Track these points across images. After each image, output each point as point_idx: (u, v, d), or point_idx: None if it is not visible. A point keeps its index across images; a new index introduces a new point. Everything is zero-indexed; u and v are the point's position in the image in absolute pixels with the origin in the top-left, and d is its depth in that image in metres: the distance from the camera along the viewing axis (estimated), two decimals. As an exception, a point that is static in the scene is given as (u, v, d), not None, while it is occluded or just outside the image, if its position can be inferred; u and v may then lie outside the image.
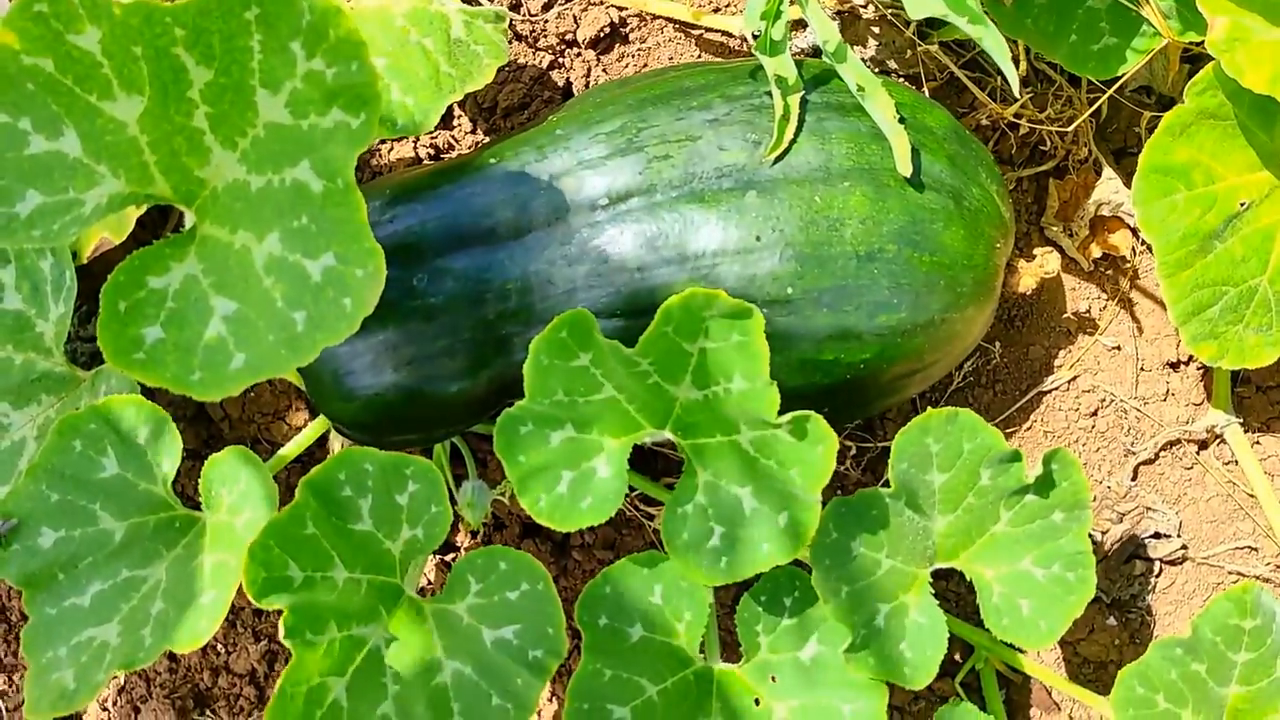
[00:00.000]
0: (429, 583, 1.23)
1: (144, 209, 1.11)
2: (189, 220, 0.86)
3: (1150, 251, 1.24)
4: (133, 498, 1.00)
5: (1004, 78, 1.24)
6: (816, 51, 1.24)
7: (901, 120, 1.00)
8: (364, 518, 0.94)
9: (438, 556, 1.23)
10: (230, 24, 0.79)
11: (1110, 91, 1.15)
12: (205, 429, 1.24)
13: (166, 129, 0.83)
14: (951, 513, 0.98)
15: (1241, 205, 1.04)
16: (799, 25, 1.24)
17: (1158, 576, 1.20)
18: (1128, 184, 1.21)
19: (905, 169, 0.98)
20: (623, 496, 0.92)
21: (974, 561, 0.99)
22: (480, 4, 1.25)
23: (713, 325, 0.87)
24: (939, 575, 1.08)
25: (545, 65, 1.27)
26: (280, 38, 0.79)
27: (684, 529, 0.92)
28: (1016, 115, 1.20)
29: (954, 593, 1.20)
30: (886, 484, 0.97)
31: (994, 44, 0.93)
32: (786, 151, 0.98)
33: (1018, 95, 0.97)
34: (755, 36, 1.05)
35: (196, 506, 1.02)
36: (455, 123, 1.26)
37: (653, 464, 1.21)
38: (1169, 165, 1.02)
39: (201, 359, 0.82)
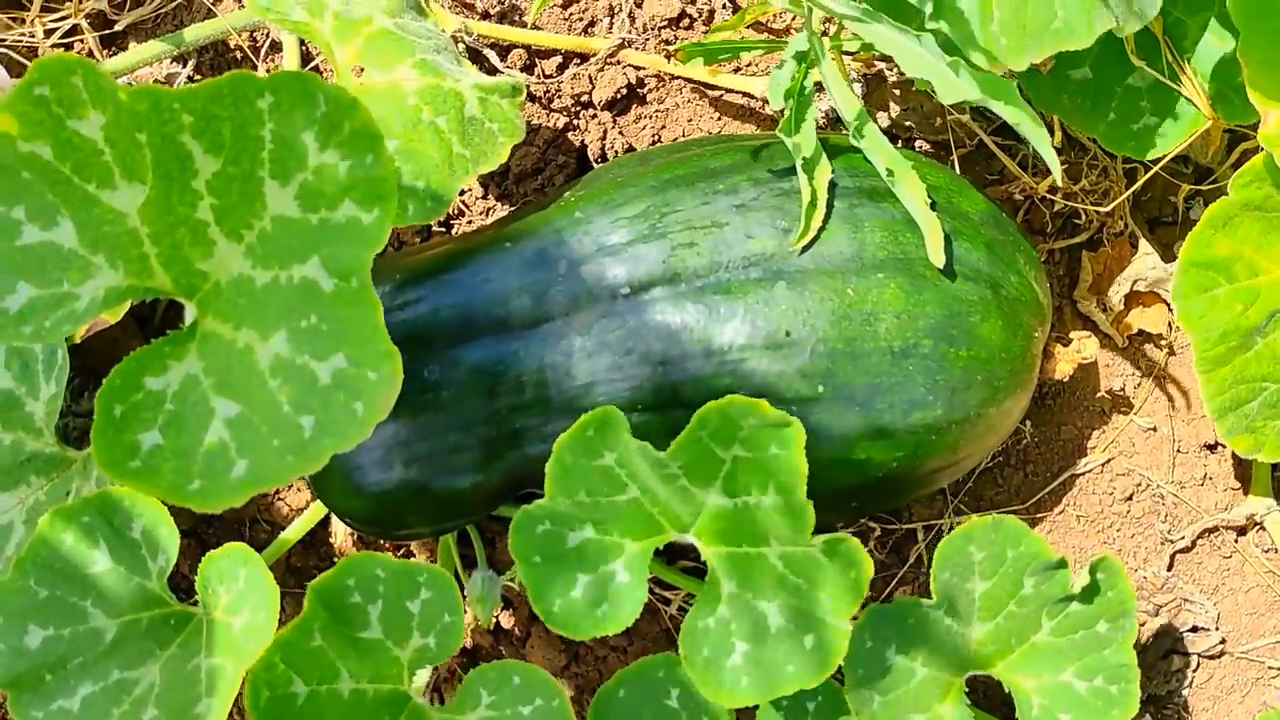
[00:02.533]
0: (434, 670, 1.17)
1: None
2: (189, 315, 0.82)
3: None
4: (126, 594, 0.95)
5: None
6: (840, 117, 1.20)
7: (934, 205, 0.96)
8: (373, 625, 0.89)
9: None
10: (243, 111, 0.75)
11: (1154, 170, 1.10)
12: (202, 509, 1.18)
13: (169, 220, 0.78)
14: (991, 620, 0.93)
15: (1288, 298, 0.99)
16: (820, 87, 1.20)
17: (1195, 671, 1.15)
18: (1164, 256, 1.17)
19: (938, 259, 0.94)
20: (641, 605, 0.87)
21: (1013, 671, 0.95)
22: (496, 68, 1.21)
23: (750, 434, 0.83)
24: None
25: (560, 127, 1.22)
26: (294, 128, 0.75)
27: (705, 644, 0.87)
28: (1051, 188, 1.16)
29: (983, 684, 1.15)
30: (916, 577, 0.92)
31: (1034, 132, 0.88)
32: (815, 240, 0.93)
33: (1059, 184, 0.92)
34: (779, 113, 1.01)
35: (191, 589, 0.97)
36: (466, 188, 1.21)
37: (667, 547, 1.16)
38: (1210, 259, 0.98)
39: (201, 466, 0.77)
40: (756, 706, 0.96)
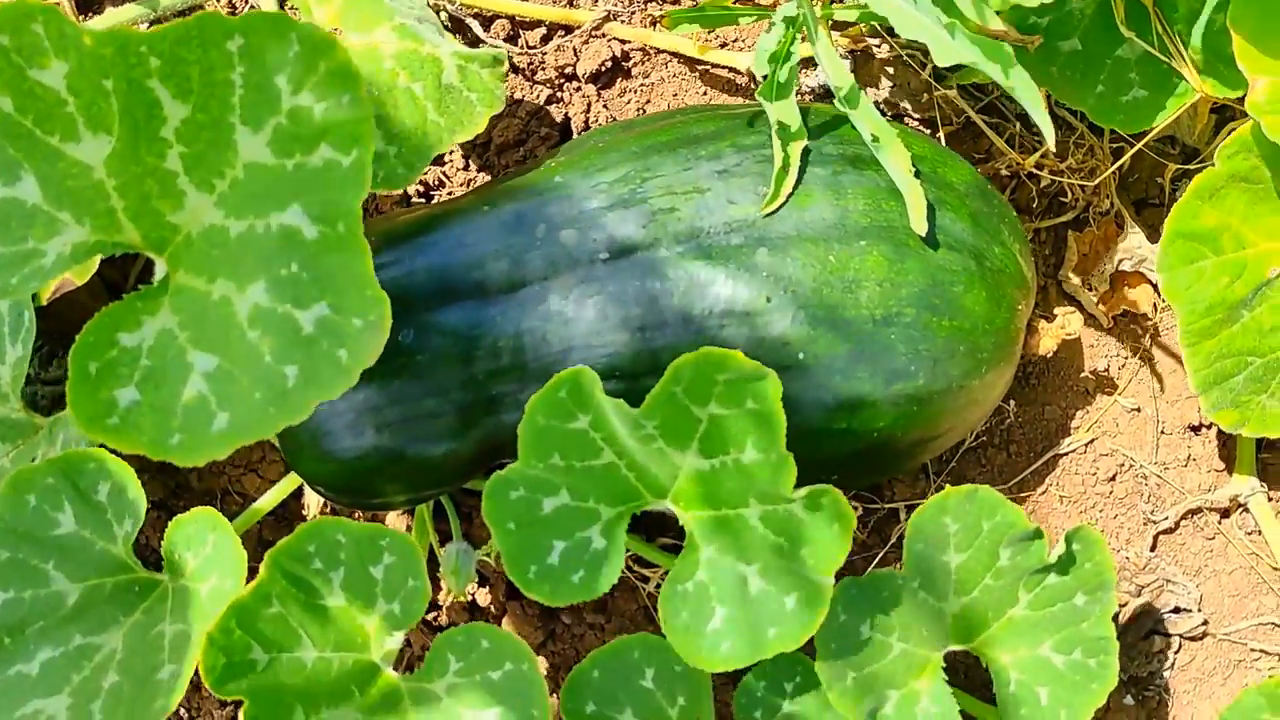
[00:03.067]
0: (408, 645, 1.16)
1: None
2: (159, 270, 0.80)
3: (1172, 309, 1.19)
4: (90, 558, 0.93)
5: (1025, 124, 1.18)
6: (827, 91, 1.19)
7: (919, 175, 0.94)
8: (336, 592, 0.88)
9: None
10: (211, 55, 0.73)
11: (1139, 146, 1.09)
12: (172, 479, 1.17)
13: (136, 171, 0.76)
14: (968, 594, 0.92)
15: (1272, 273, 0.98)
16: (808, 64, 1.19)
17: (1177, 653, 1.14)
18: (1150, 237, 1.16)
19: (920, 226, 0.92)
20: (618, 571, 0.86)
21: (990, 646, 0.93)
22: (483, 42, 1.19)
23: (725, 389, 0.81)
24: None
25: (543, 100, 1.21)
26: (265, 71, 0.73)
27: (683, 609, 0.85)
28: (1037, 165, 1.15)
29: (962, 663, 1.14)
30: (898, 557, 0.91)
31: (1028, 95, 0.87)
32: (785, 205, 0.91)
33: (1053, 149, 0.91)
34: (762, 79, 1.00)
35: (158, 563, 0.95)
36: (447, 159, 1.20)
37: (642, 522, 1.15)
38: (1197, 230, 0.97)
39: (181, 420, 0.76)
40: (735, 686, 0.95)
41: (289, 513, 1.16)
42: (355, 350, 0.73)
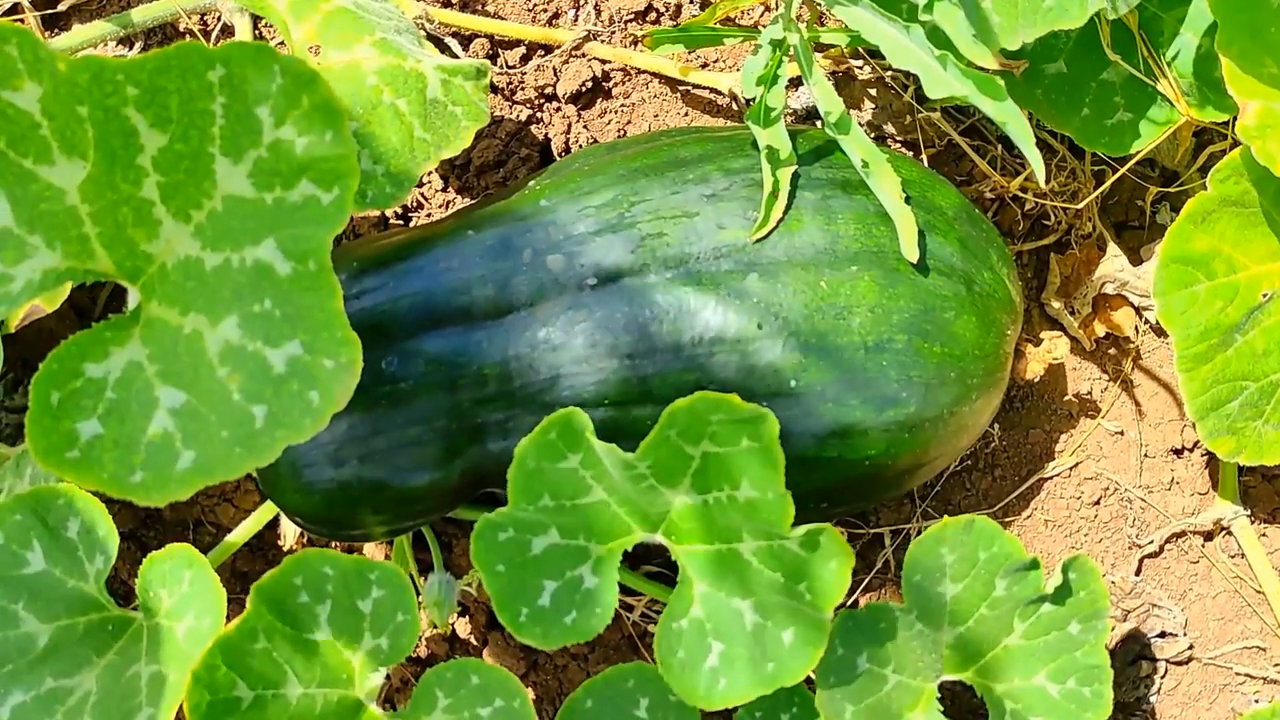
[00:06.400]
0: (386, 677, 1.13)
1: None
2: (132, 299, 0.77)
3: (1154, 331, 1.19)
4: (61, 597, 0.90)
5: (1007, 147, 1.18)
6: (811, 111, 1.18)
7: (908, 199, 0.93)
8: (322, 626, 0.85)
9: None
10: (191, 85, 0.71)
11: (1123, 170, 1.09)
12: (144, 509, 1.13)
13: (111, 198, 0.74)
14: (963, 624, 0.91)
15: (1264, 296, 0.98)
16: (793, 83, 1.18)
17: (1164, 677, 1.14)
18: (1131, 260, 1.16)
19: (911, 254, 0.91)
20: (612, 611, 0.84)
21: (985, 675, 0.92)
22: (458, 56, 1.17)
23: (720, 428, 0.80)
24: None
25: (523, 120, 1.19)
26: (246, 102, 0.71)
27: (679, 646, 0.84)
28: (1021, 188, 1.14)
29: (950, 690, 1.13)
30: (883, 582, 0.90)
31: (1020, 130, 0.86)
32: (774, 231, 0.90)
33: (1043, 186, 0.90)
34: (749, 102, 0.98)
35: (129, 595, 0.92)
36: (425, 180, 1.17)
37: (630, 552, 1.13)
38: (1190, 255, 0.97)
39: (145, 457, 0.73)
40: (733, 712, 0.93)
41: (263, 542, 1.13)
42: (326, 392, 0.71)
